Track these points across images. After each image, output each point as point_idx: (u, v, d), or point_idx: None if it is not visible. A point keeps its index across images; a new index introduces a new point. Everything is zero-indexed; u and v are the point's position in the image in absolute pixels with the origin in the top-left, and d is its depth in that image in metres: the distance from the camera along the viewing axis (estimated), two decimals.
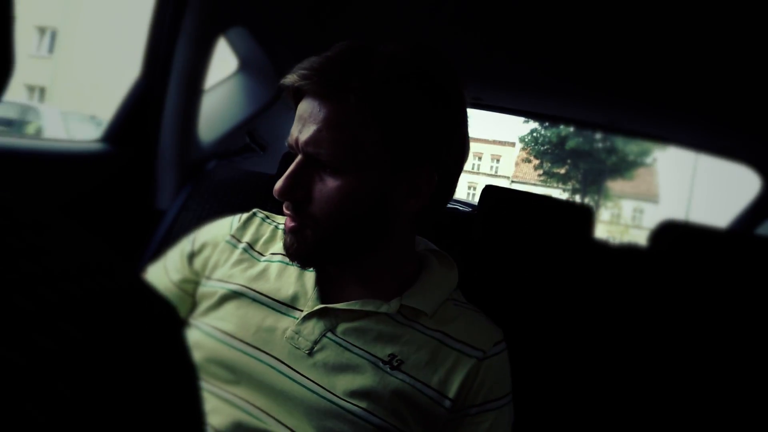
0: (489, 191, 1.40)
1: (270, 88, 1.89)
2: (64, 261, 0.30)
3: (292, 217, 0.82)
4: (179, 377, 0.33)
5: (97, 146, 1.52)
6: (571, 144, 21.08)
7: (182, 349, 0.34)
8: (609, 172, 21.13)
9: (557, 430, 1.20)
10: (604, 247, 1.43)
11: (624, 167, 20.91)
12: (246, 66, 1.88)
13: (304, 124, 0.78)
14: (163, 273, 1.00)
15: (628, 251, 1.43)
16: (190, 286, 0.97)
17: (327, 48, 0.81)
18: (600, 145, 20.75)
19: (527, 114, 2.22)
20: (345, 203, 0.78)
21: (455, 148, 0.84)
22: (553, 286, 1.30)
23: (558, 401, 1.20)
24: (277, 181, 0.79)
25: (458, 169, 0.87)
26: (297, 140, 0.79)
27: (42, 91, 23.10)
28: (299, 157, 0.80)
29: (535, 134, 22.32)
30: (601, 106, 1.97)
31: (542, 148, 22.35)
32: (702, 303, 1.25)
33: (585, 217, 1.39)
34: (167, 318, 0.34)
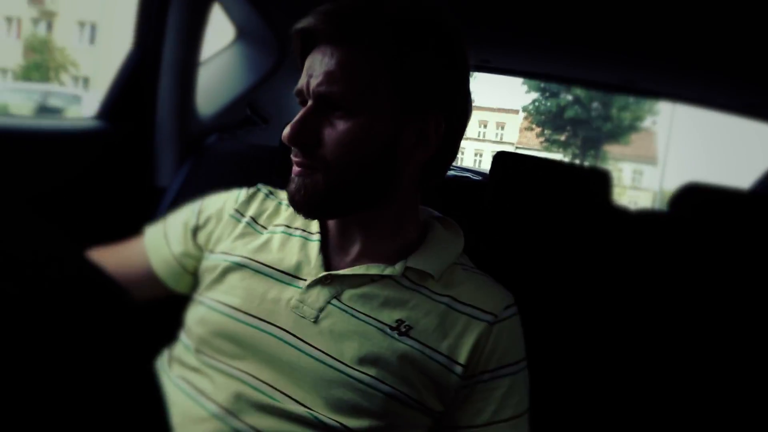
0: (500, 157, 1.29)
1: (270, 56, 1.72)
2: (17, 250, 0.28)
3: (302, 162, 0.77)
4: (129, 367, 0.32)
5: (93, 123, 1.39)
6: (569, 113, 21.44)
7: (131, 339, 0.33)
8: (605, 138, 21.46)
9: (573, 399, 1.12)
10: (622, 212, 1.32)
11: (619, 132, 21.19)
12: (244, 34, 1.71)
13: (315, 70, 0.75)
14: (163, 242, 0.95)
15: (649, 216, 1.32)
16: (190, 262, 0.93)
17: None
18: (595, 113, 21.17)
19: (538, 76, 2.05)
20: (356, 145, 0.75)
21: (461, 102, 0.82)
22: (569, 253, 1.20)
23: (574, 371, 1.12)
24: (288, 128, 0.75)
25: (462, 125, 0.84)
26: (308, 85, 0.76)
27: (86, 80, 23.33)
28: (309, 102, 0.76)
29: (536, 104, 22.77)
30: (616, 66, 1.79)
31: (543, 118, 22.78)
32: (727, 269, 1.16)
33: (602, 181, 1.28)
34: (119, 306, 0.32)
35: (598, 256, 1.20)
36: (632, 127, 21.51)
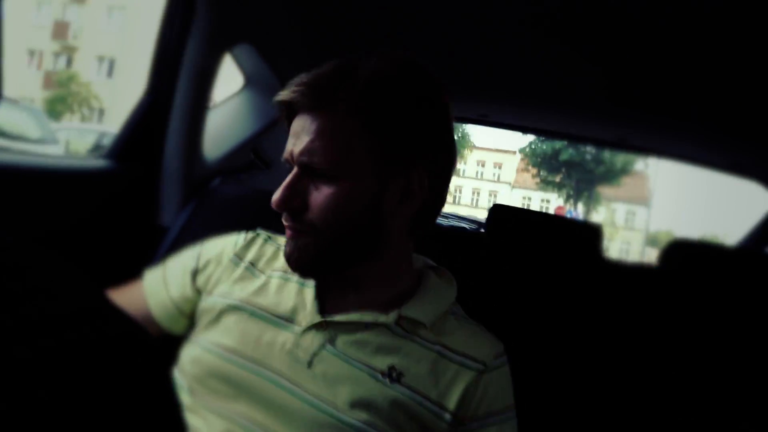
0: (497, 210, 1.30)
1: (276, 104, 1.73)
2: (63, 305, 0.29)
3: (291, 226, 0.79)
4: (166, 419, 0.31)
5: (102, 162, 1.39)
6: (564, 156, 21.99)
7: (170, 391, 0.32)
8: (598, 180, 21.96)
9: None
10: (614, 266, 1.32)
11: (611, 175, 21.77)
12: (252, 82, 1.73)
13: (298, 137, 0.77)
14: (162, 286, 0.95)
15: (639, 270, 1.32)
16: (188, 305, 0.93)
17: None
18: (589, 156, 21.62)
19: (534, 131, 2.07)
20: (341, 208, 0.76)
21: (443, 154, 0.82)
22: (562, 305, 1.19)
23: (566, 421, 1.10)
24: (277, 193, 0.77)
25: (447, 175, 0.84)
26: (292, 153, 0.77)
27: (101, 112, 23.58)
28: (295, 168, 0.78)
29: (532, 146, 23.11)
30: (609, 123, 1.81)
31: (538, 159, 23.12)
32: (714, 322, 1.16)
33: (594, 235, 1.29)
34: (157, 362, 0.33)
35: (589, 309, 1.19)
36: (624, 170, 22.06)
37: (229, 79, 1.70)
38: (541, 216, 1.29)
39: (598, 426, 1.10)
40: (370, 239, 0.80)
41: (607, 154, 21.27)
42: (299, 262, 0.79)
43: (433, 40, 1.52)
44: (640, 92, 1.56)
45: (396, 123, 0.76)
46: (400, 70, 0.78)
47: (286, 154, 0.79)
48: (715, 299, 1.18)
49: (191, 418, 0.78)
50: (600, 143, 2.04)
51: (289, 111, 0.80)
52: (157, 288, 0.95)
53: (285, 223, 0.80)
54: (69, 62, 24.39)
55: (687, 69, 1.38)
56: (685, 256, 1.30)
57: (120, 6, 22.83)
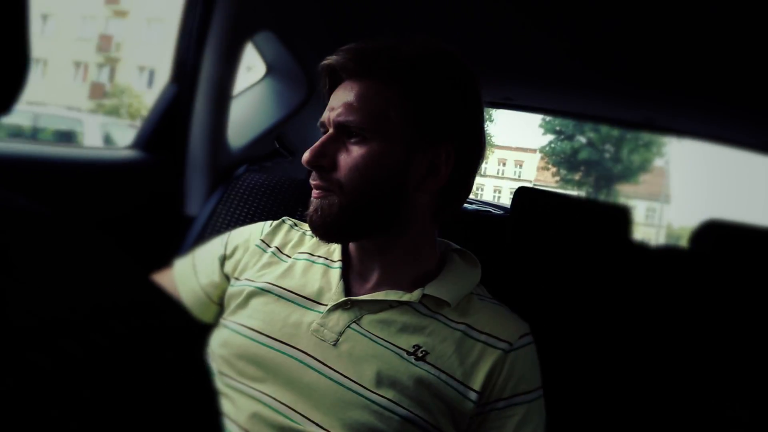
0: (522, 192, 1.22)
1: (299, 91, 1.67)
2: (115, 298, 0.26)
3: (318, 184, 0.78)
4: (210, 410, 0.29)
5: (129, 153, 1.35)
6: (582, 155, 21.68)
7: (212, 381, 0.30)
8: (617, 178, 21.71)
9: None
10: (642, 248, 1.24)
11: (629, 173, 21.46)
12: (274, 70, 1.66)
13: (337, 103, 0.78)
14: (192, 274, 0.94)
15: (669, 252, 1.24)
16: (216, 292, 0.91)
17: None
18: (607, 155, 21.48)
19: (558, 113, 1.97)
20: (368, 169, 0.75)
21: (471, 138, 0.82)
22: (589, 288, 1.14)
23: (593, 405, 1.06)
24: (308, 152, 0.77)
25: (475, 159, 0.83)
26: (329, 117, 0.78)
27: (143, 119, 24.07)
28: (330, 130, 0.78)
29: (552, 145, 22.91)
30: (636, 104, 1.70)
31: (558, 158, 22.98)
32: (747, 305, 1.10)
33: (622, 217, 1.21)
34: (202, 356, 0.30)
35: (617, 292, 1.13)
36: (642, 168, 21.63)
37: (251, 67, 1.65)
38: (566, 198, 1.21)
39: (625, 409, 1.05)
40: (391, 207, 0.78)
41: (625, 153, 21.04)
42: (321, 221, 0.78)
43: (456, 24, 1.44)
44: (667, 71, 1.46)
45: (429, 97, 0.77)
46: (438, 53, 0.79)
47: (322, 120, 0.80)
48: (749, 281, 1.11)
49: (221, 400, 0.77)
50: (626, 124, 1.92)
51: (332, 81, 0.81)
52: (187, 276, 0.94)
53: (312, 182, 0.79)
54: (112, 73, 24.87)
55: (715, 45, 1.28)
56: (717, 238, 1.21)
57: (158, 18, 23.18)
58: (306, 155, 0.77)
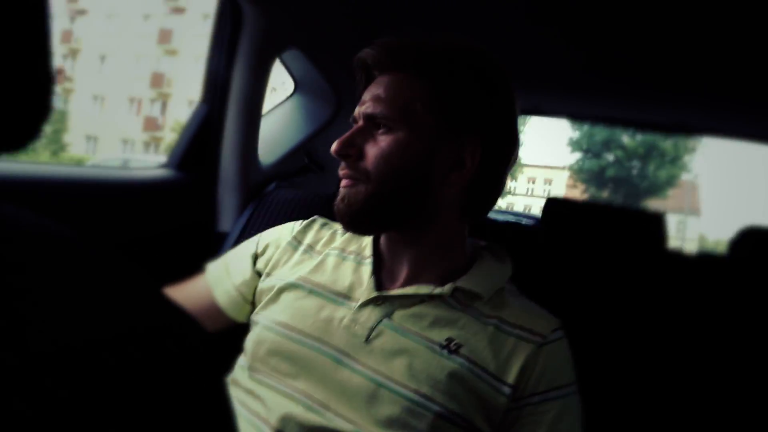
0: (552, 203, 1.17)
1: (327, 107, 1.62)
2: (135, 322, 0.25)
3: (346, 173, 0.76)
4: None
5: (162, 172, 1.32)
6: (610, 172, 21.60)
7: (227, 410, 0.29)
8: (644, 194, 21.38)
9: None
10: (678, 256, 1.16)
11: (656, 189, 21.23)
12: (302, 87, 1.61)
13: (367, 96, 0.78)
14: (225, 274, 0.92)
15: (705, 259, 1.15)
16: (250, 291, 0.89)
17: None
18: (635, 171, 21.36)
19: (589, 118, 1.87)
20: (394, 158, 0.74)
21: (500, 135, 0.78)
22: (623, 295, 1.06)
23: (630, 410, 0.99)
24: (336, 142, 0.76)
25: (503, 158, 0.80)
26: (359, 111, 0.78)
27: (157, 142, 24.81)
28: (359, 122, 0.78)
29: (579, 163, 22.86)
30: (669, 105, 1.59)
31: (585, 176, 22.92)
32: None
33: (656, 224, 1.13)
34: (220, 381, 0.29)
35: (652, 299, 1.05)
36: (669, 183, 21.37)
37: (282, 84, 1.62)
38: (598, 206, 1.13)
39: (661, 416, 0.98)
40: (418, 198, 0.76)
41: (651, 169, 20.93)
42: (348, 209, 0.76)
43: (480, 34, 1.37)
44: (696, 71, 1.35)
45: (456, 90, 0.75)
46: (466, 48, 0.78)
47: (354, 115, 0.79)
48: None
49: (251, 402, 0.75)
50: (658, 128, 1.81)
51: (366, 77, 0.81)
52: (221, 277, 0.92)
53: (341, 172, 0.77)
54: (163, 107, 25.70)
55: (741, 40, 1.17)
56: (756, 244, 1.13)
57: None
58: (335, 145, 0.76)
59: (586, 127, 21.26)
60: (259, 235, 0.95)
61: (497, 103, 0.77)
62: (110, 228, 1.13)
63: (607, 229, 1.14)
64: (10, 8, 0.28)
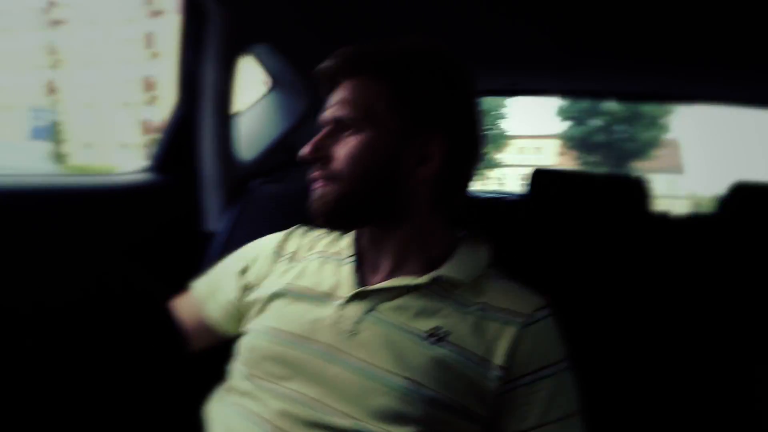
0: (538, 173, 1.15)
1: (303, 100, 1.59)
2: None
3: (317, 175, 0.78)
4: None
5: (144, 176, 1.29)
6: (597, 138, 21.88)
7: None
8: (631, 156, 21.74)
9: (618, 409, 0.96)
10: (664, 218, 1.13)
11: (642, 150, 21.61)
12: (277, 82, 1.58)
13: (332, 101, 0.79)
14: (214, 292, 0.92)
15: (693, 220, 1.13)
16: (240, 305, 0.88)
17: None
18: (620, 136, 21.60)
19: (566, 93, 1.83)
20: (361, 157, 0.75)
21: (463, 128, 0.80)
22: (610, 263, 1.04)
23: (618, 382, 0.97)
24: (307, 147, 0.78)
25: (469, 149, 0.81)
26: (325, 116, 0.79)
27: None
28: (326, 127, 0.79)
29: (567, 132, 23.11)
30: (642, 75, 1.55)
31: (574, 143, 23.15)
32: None
33: (638, 189, 1.11)
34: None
35: (641, 264, 1.03)
36: (652, 144, 21.65)
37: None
38: (580, 175, 1.11)
39: (651, 383, 0.97)
40: (387, 194, 0.77)
41: (635, 131, 21.19)
42: (322, 209, 0.78)
43: (452, 18, 1.33)
44: (668, 39, 1.32)
45: (416, 88, 0.76)
46: (425, 47, 0.79)
47: (320, 118, 0.80)
48: None
49: (251, 404, 0.76)
50: (633, 97, 1.77)
51: (331, 85, 0.81)
52: (210, 294, 0.92)
53: (312, 175, 0.79)
54: (158, 109, 25.41)
55: (711, 6, 1.13)
56: (746, 200, 1.10)
57: None
58: (304, 149, 0.77)
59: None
60: (242, 249, 0.95)
61: (458, 97, 0.79)
62: (96, 235, 1.11)
63: (591, 196, 1.12)
64: None
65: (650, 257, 1.03)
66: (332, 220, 0.79)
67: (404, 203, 0.78)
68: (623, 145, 21.54)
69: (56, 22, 25.74)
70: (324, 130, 0.79)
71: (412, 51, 0.78)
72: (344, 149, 0.76)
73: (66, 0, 25.61)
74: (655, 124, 21.04)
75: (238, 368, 0.82)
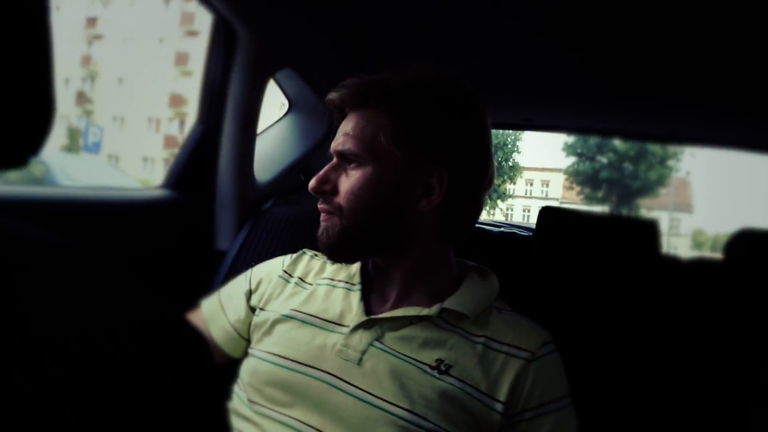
0: (546, 212, 1.12)
1: (321, 124, 1.57)
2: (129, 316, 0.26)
3: (323, 208, 0.78)
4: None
5: (160, 192, 1.27)
6: (603, 175, 22.01)
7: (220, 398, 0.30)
8: (636, 194, 21.83)
9: None
10: (673, 261, 1.10)
11: (647, 188, 21.69)
12: (296, 105, 1.56)
13: (339, 133, 0.78)
14: (220, 312, 0.89)
15: (700, 264, 1.10)
16: (244, 327, 0.86)
17: None
18: (627, 173, 21.80)
19: (581, 131, 1.80)
20: (364, 192, 0.74)
21: (468, 159, 0.77)
22: (619, 304, 1.01)
23: (625, 418, 0.94)
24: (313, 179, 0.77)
25: (474, 182, 0.79)
26: (333, 148, 0.79)
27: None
28: (334, 159, 0.78)
29: (574, 166, 23.23)
30: (658, 116, 1.52)
31: (581, 178, 23.25)
32: None
33: (650, 231, 1.08)
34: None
35: (649, 306, 1.00)
36: (659, 183, 21.84)
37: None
38: (592, 215, 1.08)
39: (649, 422, 0.94)
40: (391, 227, 0.76)
41: (642, 169, 21.34)
42: (327, 241, 0.77)
43: (471, 50, 1.31)
44: (686, 82, 1.29)
45: (419, 120, 0.75)
46: (431, 79, 0.78)
47: (330, 149, 0.79)
48: None
49: (251, 428, 0.73)
50: (649, 137, 1.74)
51: (340, 115, 0.81)
52: (216, 314, 0.89)
53: (319, 206, 0.78)
54: (182, 125, 25.82)
55: (728, 52, 1.11)
56: (751, 246, 1.07)
57: None
58: (311, 182, 0.77)
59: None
60: (250, 270, 0.93)
61: (462, 128, 0.77)
62: (109, 247, 1.07)
63: (602, 237, 1.09)
64: (12, 18, 0.27)
65: (656, 300, 1.01)
66: (336, 252, 0.78)
67: (409, 234, 0.77)
68: (629, 183, 21.62)
69: (96, 37, 26.61)
70: (331, 163, 0.78)
71: (416, 82, 0.77)
72: (348, 183, 0.75)
73: (107, 16, 26.13)
74: (662, 162, 21.15)
75: (238, 392, 0.79)
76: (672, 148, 20.20)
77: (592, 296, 1.02)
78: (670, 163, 21.31)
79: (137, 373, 0.24)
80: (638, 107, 1.47)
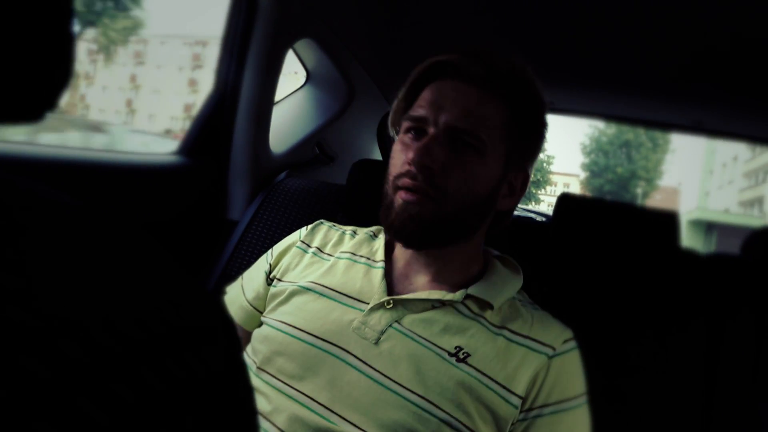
0: (564, 199, 1.07)
1: (339, 98, 1.50)
2: (156, 298, 0.23)
3: (419, 187, 0.67)
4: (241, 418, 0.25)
5: (173, 158, 1.23)
6: (606, 188, 25.51)
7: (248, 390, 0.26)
8: (641, 197, 24.83)
9: None
10: (691, 255, 1.05)
11: (648, 191, 25.30)
12: (315, 77, 1.50)
13: (446, 102, 0.68)
14: (240, 292, 0.85)
15: (717, 260, 1.06)
16: (262, 303, 0.82)
17: (395, 56, 0.84)
18: (621, 188, 25.27)
19: (605, 117, 1.73)
20: (477, 182, 0.68)
21: (533, 165, 0.77)
22: (635, 295, 0.98)
23: (638, 411, 0.91)
24: (415, 150, 0.66)
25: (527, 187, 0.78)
26: (434, 115, 0.68)
27: None
28: (432, 131, 0.68)
29: (588, 179, 26.51)
30: (685, 106, 1.46)
31: (591, 190, 26.41)
32: None
33: (669, 224, 1.03)
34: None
35: (665, 300, 0.97)
36: (644, 197, 25.27)
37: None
38: (611, 204, 1.02)
39: (663, 418, 0.91)
40: (478, 222, 0.72)
41: (631, 186, 25.03)
42: (411, 224, 0.67)
43: (496, 27, 1.25)
44: (716, 72, 1.23)
45: (529, 122, 0.72)
46: (533, 78, 0.72)
47: (420, 115, 0.69)
48: None
49: (258, 397, 0.68)
50: (674, 127, 1.67)
51: (426, 76, 0.72)
52: (236, 296, 0.86)
53: (407, 183, 0.67)
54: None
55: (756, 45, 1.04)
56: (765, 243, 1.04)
57: None
58: (414, 154, 0.66)
59: (593, 155, 25.29)
60: (270, 249, 0.88)
61: (543, 138, 0.75)
62: (120, 211, 1.04)
63: (620, 227, 1.04)
64: None
65: (674, 291, 0.98)
66: (417, 238, 0.70)
67: (479, 228, 0.74)
68: (623, 195, 24.93)
69: (140, 62, 31.48)
70: (433, 136, 0.68)
71: (527, 81, 0.71)
72: (460, 168, 0.67)
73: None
74: (648, 181, 25.36)
75: (247, 359, 0.75)
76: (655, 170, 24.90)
77: (607, 285, 0.99)
78: (654, 179, 25.58)
79: (159, 359, 0.21)
80: (664, 95, 1.41)
